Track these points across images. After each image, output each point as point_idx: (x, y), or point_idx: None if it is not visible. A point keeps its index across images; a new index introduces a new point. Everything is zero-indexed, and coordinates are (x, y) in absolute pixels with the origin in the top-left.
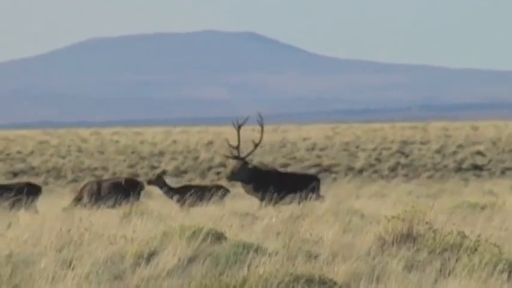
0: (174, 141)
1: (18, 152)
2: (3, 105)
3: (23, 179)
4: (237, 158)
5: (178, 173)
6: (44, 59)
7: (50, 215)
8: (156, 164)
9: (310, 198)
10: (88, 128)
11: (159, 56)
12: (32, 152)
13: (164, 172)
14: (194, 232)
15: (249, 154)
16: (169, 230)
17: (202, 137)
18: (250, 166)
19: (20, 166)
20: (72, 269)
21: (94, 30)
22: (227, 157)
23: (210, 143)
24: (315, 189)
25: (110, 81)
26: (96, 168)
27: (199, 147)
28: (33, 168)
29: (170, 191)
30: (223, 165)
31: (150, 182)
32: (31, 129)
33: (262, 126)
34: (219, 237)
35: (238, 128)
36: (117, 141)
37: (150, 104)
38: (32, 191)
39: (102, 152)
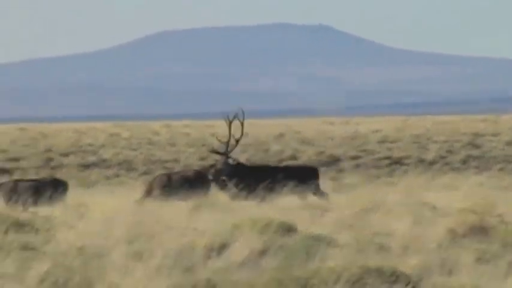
0: (245, 133)
1: (90, 145)
2: (74, 98)
3: (94, 171)
4: (219, 153)
5: None
6: (112, 52)
7: (121, 207)
8: None
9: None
10: (157, 121)
11: (229, 49)
12: (103, 145)
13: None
14: (265, 224)
15: (231, 150)
16: (239, 222)
17: (272, 130)
18: (232, 162)
19: (91, 159)
20: (143, 261)
21: (163, 23)
22: (213, 152)
23: (281, 135)
24: (313, 182)
25: (179, 73)
26: (167, 161)
27: (269, 139)
28: (104, 160)
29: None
30: (294, 157)
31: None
32: (101, 121)
33: (242, 123)
34: (289, 229)
35: (230, 122)
36: (188, 134)
37: (219, 97)
38: (58, 186)
39: (173, 145)
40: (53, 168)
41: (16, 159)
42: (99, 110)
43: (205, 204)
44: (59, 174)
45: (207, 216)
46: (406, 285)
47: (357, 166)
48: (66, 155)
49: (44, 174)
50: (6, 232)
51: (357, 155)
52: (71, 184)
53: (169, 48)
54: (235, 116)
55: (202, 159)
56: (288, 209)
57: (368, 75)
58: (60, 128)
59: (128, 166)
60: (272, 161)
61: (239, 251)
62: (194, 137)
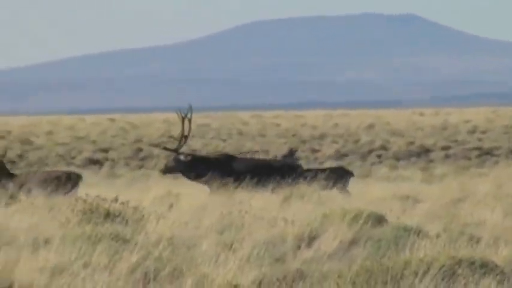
0: (335, 124)
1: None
2: (162, 88)
3: None
4: (169, 150)
5: (339, 156)
6: (207, 42)
7: (211, 197)
8: (317, 147)
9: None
10: (246, 111)
11: (318, 39)
12: (192, 135)
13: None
14: (355, 215)
15: (181, 146)
16: (329, 213)
17: (362, 120)
18: (183, 157)
19: (181, 149)
20: (233, 251)
21: (256, 13)
22: (164, 149)
23: (371, 126)
24: (290, 174)
25: (269, 64)
26: (257, 151)
27: (359, 130)
28: (194, 150)
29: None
30: (384, 148)
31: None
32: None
33: (189, 118)
34: (379, 220)
35: (183, 118)
36: (278, 125)
37: (309, 87)
38: (71, 179)
39: (263, 135)
40: (142, 159)
41: (105, 150)
42: (187, 101)
43: (295, 194)
44: (149, 165)
45: (297, 207)
46: (497, 276)
47: (447, 156)
48: (155, 145)
49: (133, 164)
50: (97, 223)
51: (447, 146)
52: (160, 174)
53: (261, 37)
54: (188, 112)
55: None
56: (379, 200)
57: (454, 65)
58: (150, 118)
59: None
60: (362, 151)
61: (329, 241)
62: (284, 128)
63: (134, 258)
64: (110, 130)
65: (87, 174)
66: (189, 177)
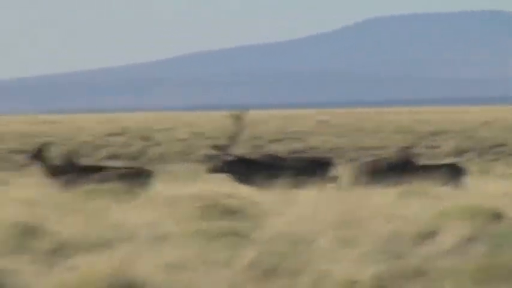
0: (453, 121)
1: (297, 132)
2: (280, 84)
3: None
4: (218, 149)
5: (458, 152)
6: (326, 38)
7: (329, 194)
8: (434, 144)
9: None
10: (366, 107)
11: (435, 35)
12: (310, 132)
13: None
14: (474, 212)
15: (230, 147)
16: (448, 210)
17: (480, 116)
18: (230, 158)
19: (297, 146)
20: (351, 247)
21: (373, 9)
22: (213, 148)
23: (487, 122)
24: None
25: (387, 60)
26: (375, 148)
27: (478, 126)
28: (311, 148)
29: None
30: (503, 144)
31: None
32: (307, 108)
33: (241, 118)
34: (499, 216)
35: (236, 118)
36: (396, 121)
37: (427, 83)
38: (147, 175)
39: (380, 131)
40: None
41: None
42: (304, 97)
43: (413, 191)
44: None
45: (415, 203)
46: None
47: None
48: (273, 141)
49: None
50: (216, 219)
51: None
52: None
53: (380, 34)
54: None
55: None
56: (496, 197)
57: None
58: (268, 114)
59: (335, 153)
60: (480, 148)
61: (447, 238)
62: (402, 124)
63: (252, 254)
64: (229, 126)
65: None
66: (234, 178)
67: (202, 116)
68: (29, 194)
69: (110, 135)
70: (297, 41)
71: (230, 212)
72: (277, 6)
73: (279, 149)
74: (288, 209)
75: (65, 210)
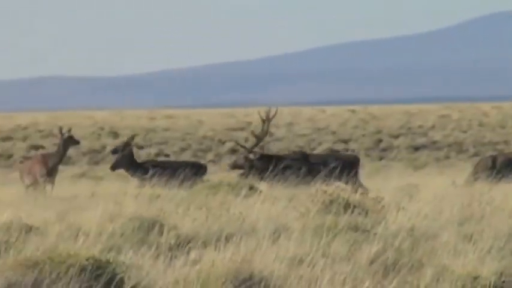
0: None
1: (420, 127)
2: (401, 80)
3: (424, 153)
4: (243, 147)
5: None
6: (445, 33)
7: (450, 189)
8: None
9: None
10: (487, 103)
11: None
12: (433, 126)
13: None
14: None
15: (256, 145)
16: None
17: None
18: (252, 156)
19: (421, 140)
20: (473, 243)
21: (489, 6)
22: (240, 146)
23: None
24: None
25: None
26: (497, 143)
27: None
28: (434, 142)
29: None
30: None
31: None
32: (430, 103)
33: (270, 118)
34: None
35: (264, 120)
36: None
37: None
38: (197, 170)
39: (503, 127)
40: (382, 150)
41: (346, 141)
42: (429, 92)
43: None
44: (389, 156)
45: None
46: None
47: None
48: (396, 136)
49: (373, 155)
50: (336, 213)
51: None
52: (401, 166)
53: (497, 29)
54: (271, 112)
55: None
56: None
57: None
58: (390, 109)
59: (457, 148)
60: None
61: None
62: None
63: (374, 249)
64: (350, 121)
65: None
66: (254, 175)
67: (324, 111)
68: (148, 190)
69: (232, 129)
70: (424, 35)
71: (351, 207)
72: (392, 2)
73: (402, 143)
74: (409, 204)
75: (186, 205)
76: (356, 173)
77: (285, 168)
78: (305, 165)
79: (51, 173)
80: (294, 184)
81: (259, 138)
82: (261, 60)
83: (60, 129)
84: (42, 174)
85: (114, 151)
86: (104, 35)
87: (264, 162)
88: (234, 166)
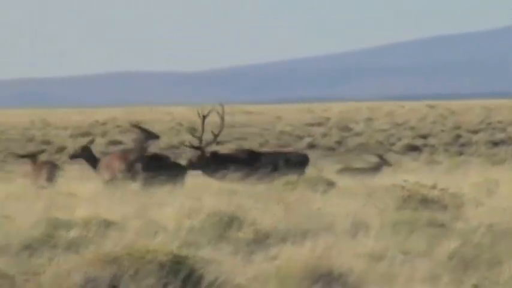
0: None
1: (499, 122)
2: (478, 74)
3: (503, 148)
4: (193, 147)
5: None
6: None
7: None
8: None
9: None
10: None
11: None
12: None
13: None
14: None
15: (207, 144)
16: None
17: None
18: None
19: (500, 136)
20: None
21: None
22: (189, 147)
23: None
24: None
25: None
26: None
27: None
28: (510, 138)
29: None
30: None
31: (73, 156)
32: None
33: (221, 116)
34: None
35: (204, 117)
36: None
37: None
38: (300, 160)
39: None
40: (461, 145)
41: (424, 136)
42: (502, 88)
43: None
44: (468, 151)
45: None
46: None
47: None
48: (475, 132)
49: (452, 151)
50: (415, 209)
51: None
52: (480, 161)
53: None
54: (208, 111)
55: None
56: None
57: None
58: (469, 105)
59: None
60: None
61: None
62: None
63: (453, 244)
64: (429, 116)
65: (406, 160)
66: (207, 173)
67: (403, 106)
68: (227, 185)
69: (310, 125)
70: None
71: (430, 202)
72: None
73: (481, 139)
74: (488, 199)
75: (264, 200)
76: (303, 172)
77: (232, 165)
78: (253, 163)
79: (130, 168)
80: (238, 180)
81: (215, 136)
82: (339, 55)
83: (137, 124)
84: (121, 169)
85: (73, 156)
86: (182, 30)
87: (214, 161)
88: (189, 164)
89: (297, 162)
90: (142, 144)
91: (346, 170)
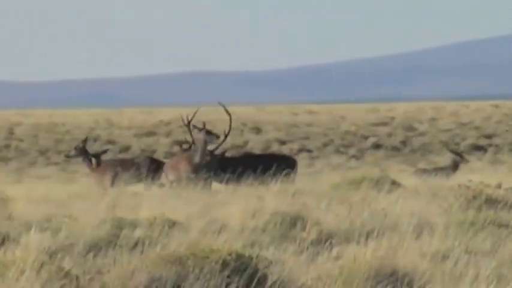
0: None
1: None
2: None
3: None
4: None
5: None
6: None
7: None
8: None
9: None
10: None
11: None
12: None
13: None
14: None
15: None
16: None
17: None
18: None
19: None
20: None
21: None
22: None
23: None
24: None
25: None
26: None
27: None
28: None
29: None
30: None
31: (69, 156)
32: None
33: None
34: None
35: (188, 122)
36: None
37: None
38: (289, 164)
39: None
40: None
41: (489, 136)
42: None
43: None
44: None
45: None
46: None
47: None
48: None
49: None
50: (480, 209)
51: None
52: None
53: None
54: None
55: None
56: None
57: None
58: None
59: None
60: None
61: None
62: None
63: None
64: (494, 116)
65: (470, 160)
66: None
67: (468, 106)
68: (290, 186)
69: (375, 124)
70: None
71: (495, 202)
72: None
73: None
74: None
75: (328, 200)
76: (291, 175)
77: (228, 168)
78: (245, 166)
79: (196, 169)
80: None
81: (225, 137)
82: (403, 54)
83: (189, 123)
84: (187, 170)
85: (68, 156)
86: (243, 30)
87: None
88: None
89: (286, 165)
90: (205, 145)
91: (424, 171)
